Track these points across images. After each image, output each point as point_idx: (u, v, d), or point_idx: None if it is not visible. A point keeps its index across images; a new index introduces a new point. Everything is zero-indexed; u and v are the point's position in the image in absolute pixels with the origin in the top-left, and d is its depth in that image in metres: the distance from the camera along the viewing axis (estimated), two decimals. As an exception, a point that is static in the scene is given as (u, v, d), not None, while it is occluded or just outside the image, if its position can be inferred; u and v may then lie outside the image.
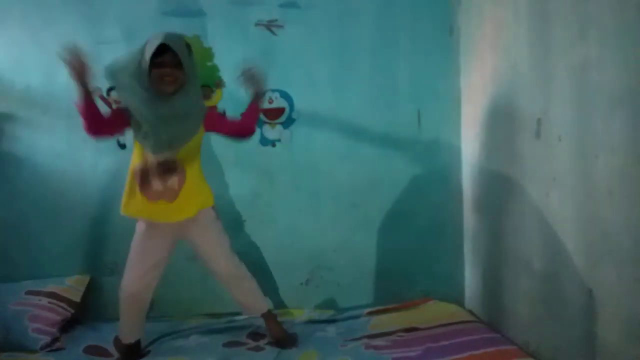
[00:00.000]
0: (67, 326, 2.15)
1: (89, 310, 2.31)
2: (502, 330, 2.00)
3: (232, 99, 2.36)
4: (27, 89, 2.32)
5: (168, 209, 1.77)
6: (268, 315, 2.01)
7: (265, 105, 2.37)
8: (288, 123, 2.40)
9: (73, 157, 2.33)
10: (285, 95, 2.39)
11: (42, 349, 1.96)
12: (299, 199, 2.40)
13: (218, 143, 2.36)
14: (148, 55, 1.66)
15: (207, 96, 2.36)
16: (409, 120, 2.42)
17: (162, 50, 1.66)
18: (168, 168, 1.75)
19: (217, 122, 1.90)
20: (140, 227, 1.84)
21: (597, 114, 1.44)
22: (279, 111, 2.39)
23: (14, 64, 2.32)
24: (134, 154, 1.80)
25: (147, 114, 1.70)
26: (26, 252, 2.32)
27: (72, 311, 2.17)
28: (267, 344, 1.99)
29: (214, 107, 1.86)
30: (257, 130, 2.38)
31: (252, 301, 1.98)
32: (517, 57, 1.88)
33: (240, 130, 1.93)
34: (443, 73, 2.43)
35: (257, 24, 2.37)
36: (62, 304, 2.14)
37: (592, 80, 1.45)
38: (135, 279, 1.82)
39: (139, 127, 1.74)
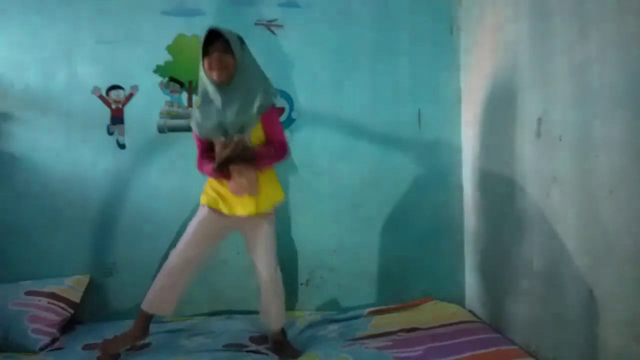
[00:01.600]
0: (67, 326, 2.15)
1: (88, 310, 2.31)
2: (503, 331, 2.00)
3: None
4: (26, 89, 2.32)
5: (247, 202, 1.82)
6: (278, 333, 2.00)
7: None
8: (288, 123, 2.39)
9: (72, 157, 2.33)
10: (285, 95, 2.39)
11: (41, 349, 1.96)
12: (299, 199, 2.39)
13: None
14: (201, 44, 1.73)
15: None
16: (409, 120, 2.42)
17: (213, 38, 1.72)
18: (245, 155, 1.75)
19: (272, 123, 1.87)
20: (203, 212, 1.87)
21: (598, 114, 1.43)
22: (279, 111, 2.38)
23: (13, 63, 2.32)
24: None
25: (207, 110, 1.77)
26: (25, 252, 2.31)
27: (72, 311, 2.16)
28: (267, 348, 1.98)
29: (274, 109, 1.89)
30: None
31: (273, 313, 1.96)
32: (517, 56, 1.88)
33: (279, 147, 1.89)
34: (443, 72, 2.43)
35: (256, 24, 2.37)
36: (61, 304, 2.13)
37: (593, 80, 1.45)
38: (189, 247, 1.85)
39: (203, 130, 1.80)
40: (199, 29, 2.34)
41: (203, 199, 1.89)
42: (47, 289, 2.14)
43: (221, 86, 1.77)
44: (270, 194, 1.89)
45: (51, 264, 2.30)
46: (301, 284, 2.41)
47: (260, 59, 2.39)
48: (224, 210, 1.84)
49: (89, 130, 2.33)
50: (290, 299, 2.38)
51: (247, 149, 1.76)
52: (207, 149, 1.87)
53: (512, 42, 1.92)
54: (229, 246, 2.37)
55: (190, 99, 2.37)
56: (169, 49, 2.35)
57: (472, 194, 2.35)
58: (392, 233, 2.42)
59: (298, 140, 2.39)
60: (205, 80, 1.79)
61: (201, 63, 1.76)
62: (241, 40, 1.81)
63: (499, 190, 2.05)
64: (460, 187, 2.44)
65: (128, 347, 1.87)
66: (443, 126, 2.44)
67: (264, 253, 1.91)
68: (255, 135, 1.82)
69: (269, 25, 2.38)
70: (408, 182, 2.42)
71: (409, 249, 2.42)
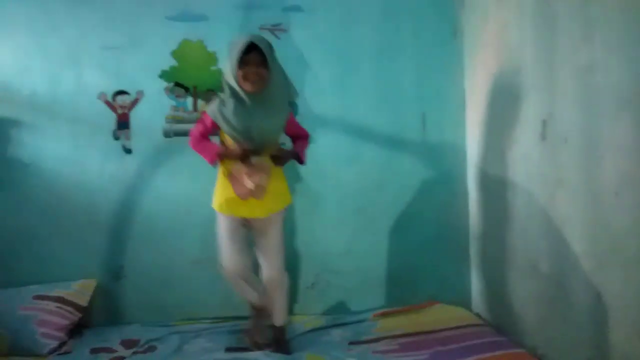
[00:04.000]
0: (75, 330, 2.16)
1: (96, 314, 2.32)
2: (509, 334, 1.99)
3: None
4: (33, 95, 2.33)
5: (255, 205, 1.88)
6: (279, 330, 2.03)
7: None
8: (292, 127, 2.39)
9: (79, 163, 2.34)
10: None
11: (49, 353, 1.97)
12: (304, 203, 2.39)
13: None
14: (236, 54, 1.77)
15: (211, 100, 2.36)
16: (413, 123, 2.42)
17: (249, 49, 1.77)
18: (259, 167, 1.85)
19: (295, 125, 2.02)
20: (220, 217, 1.95)
21: (603, 116, 1.43)
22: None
23: (20, 69, 2.33)
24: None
25: (239, 112, 1.82)
26: (33, 256, 2.32)
27: (79, 315, 2.17)
28: (270, 350, 1.98)
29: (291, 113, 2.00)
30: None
31: (277, 308, 2.01)
32: (521, 58, 1.88)
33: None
34: (447, 75, 2.43)
35: (260, 28, 2.37)
36: (69, 308, 2.15)
37: (598, 82, 1.45)
38: (232, 256, 1.92)
39: (230, 128, 1.84)
40: (203, 34, 2.36)
41: (214, 205, 1.96)
42: (55, 293, 2.16)
43: (250, 96, 1.81)
44: (278, 196, 1.93)
45: (59, 268, 2.31)
46: (307, 288, 2.41)
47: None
48: (234, 213, 1.90)
49: (96, 135, 2.35)
50: (296, 303, 2.39)
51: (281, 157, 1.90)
52: (207, 135, 1.92)
53: (517, 44, 1.92)
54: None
55: (195, 104, 2.38)
56: (174, 54, 2.36)
57: (477, 196, 2.35)
58: (397, 236, 2.42)
59: (303, 143, 2.40)
60: (234, 87, 1.81)
61: (233, 70, 1.78)
62: (272, 49, 1.86)
63: (504, 192, 2.04)
64: (465, 190, 2.44)
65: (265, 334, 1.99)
66: (447, 129, 2.43)
67: (270, 253, 1.96)
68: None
69: (273, 30, 2.39)
70: (413, 185, 2.42)
71: (414, 252, 2.41)
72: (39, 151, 2.34)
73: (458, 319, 2.13)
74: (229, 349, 2.00)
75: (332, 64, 2.40)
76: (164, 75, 2.36)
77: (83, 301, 2.21)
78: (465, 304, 2.39)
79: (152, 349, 2.01)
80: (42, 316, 2.05)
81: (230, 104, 1.83)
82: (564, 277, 1.64)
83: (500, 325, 2.10)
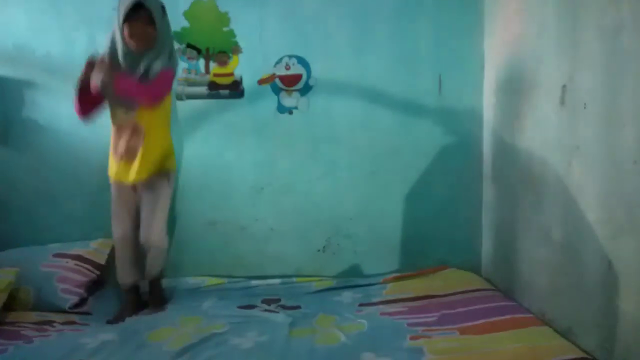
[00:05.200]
0: (93, 288, 2.24)
1: (113, 271, 2.39)
2: (518, 299, 2.00)
3: (249, 65, 2.34)
4: (47, 56, 2.33)
5: (127, 169, 1.92)
6: (151, 283, 2.09)
7: (282, 71, 2.34)
8: (305, 90, 2.37)
9: (93, 124, 2.35)
10: (302, 62, 2.35)
11: (70, 308, 2.05)
12: (317, 166, 2.39)
13: (234, 111, 2.36)
14: (122, 11, 1.78)
15: (223, 62, 2.34)
16: (429, 86, 2.37)
17: (136, 8, 1.77)
18: (129, 128, 1.87)
19: (165, 79, 1.90)
20: (112, 187, 2.03)
21: (626, 82, 1.38)
22: (296, 78, 2.36)
23: (35, 31, 2.33)
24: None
25: (117, 67, 1.81)
26: (52, 216, 2.39)
27: (98, 273, 2.25)
28: (279, 306, 2.03)
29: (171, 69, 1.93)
30: (274, 98, 2.37)
31: (148, 264, 2.03)
32: (544, 20, 1.80)
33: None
34: (467, 36, 2.35)
35: (273, -13, 2.31)
36: (87, 266, 2.22)
37: (623, 46, 1.39)
38: (115, 223, 2.02)
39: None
40: (215, -7, 2.31)
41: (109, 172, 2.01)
42: (73, 252, 2.23)
43: (132, 53, 1.82)
44: (152, 162, 1.93)
45: (77, 227, 2.38)
46: (318, 251, 2.45)
47: (277, 22, 2.35)
48: (113, 176, 1.97)
49: (109, 97, 2.35)
50: (307, 265, 2.43)
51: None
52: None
53: (539, 5, 1.84)
54: (247, 213, 2.41)
55: (207, 66, 2.35)
56: (186, 14, 2.32)
57: (491, 161, 2.32)
58: (409, 201, 2.41)
59: (315, 107, 2.37)
60: (118, 43, 1.82)
61: (119, 27, 1.80)
62: (163, 10, 1.86)
63: (520, 158, 2.01)
64: (480, 155, 2.41)
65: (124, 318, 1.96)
66: (464, 92, 2.38)
67: (151, 220, 1.97)
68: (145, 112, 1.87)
69: (287, -11, 2.32)
70: (427, 150, 2.39)
71: (426, 217, 2.42)
72: (55, 112, 2.36)
73: (467, 283, 2.15)
74: (240, 307, 2.04)
75: (347, 24, 2.33)
76: (176, 36, 2.33)
77: (101, 259, 2.28)
78: (475, 268, 2.40)
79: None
80: (63, 273, 2.12)
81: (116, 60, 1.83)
82: (576, 245, 1.63)
83: (509, 290, 2.11)
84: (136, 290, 2.09)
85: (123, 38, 1.81)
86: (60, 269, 2.13)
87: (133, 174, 1.92)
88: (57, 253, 2.20)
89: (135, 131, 1.89)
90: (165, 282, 2.23)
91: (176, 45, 2.33)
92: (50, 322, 1.92)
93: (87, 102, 1.87)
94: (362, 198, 2.41)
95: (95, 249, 2.30)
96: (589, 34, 1.53)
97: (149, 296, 2.10)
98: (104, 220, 2.38)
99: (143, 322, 1.88)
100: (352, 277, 2.37)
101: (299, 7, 2.32)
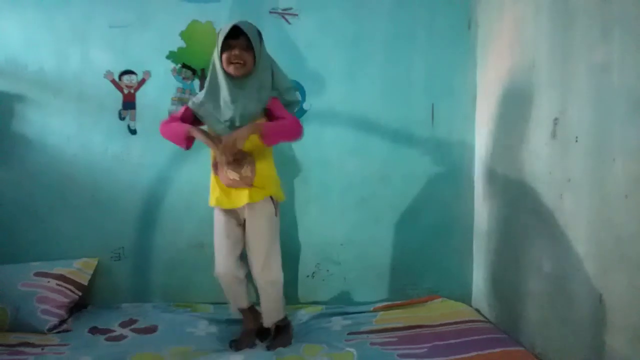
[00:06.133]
0: (75, 309, 2.17)
1: (96, 293, 2.33)
2: (509, 331, 1.98)
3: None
4: (39, 71, 2.32)
5: (237, 195, 1.84)
6: (279, 327, 2.00)
7: (277, 95, 2.35)
8: (300, 114, 2.37)
9: (83, 141, 2.34)
10: (297, 86, 2.36)
11: (49, 330, 1.98)
12: (308, 191, 2.38)
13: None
14: (221, 38, 1.75)
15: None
16: (422, 116, 2.39)
17: (234, 34, 1.74)
18: (237, 157, 1.79)
19: (279, 109, 1.86)
20: (215, 214, 1.94)
21: (616, 117, 1.40)
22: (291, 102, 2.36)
23: (28, 45, 2.32)
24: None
25: (220, 96, 1.79)
26: (35, 233, 2.33)
27: (80, 294, 2.19)
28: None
29: (276, 98, 1.89)
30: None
31: (264, 310, 1.96)
32: (536, 54, 1.84)
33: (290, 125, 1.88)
34: (459, 68, 2.39)
35: (271, 12, 2.34)
36: (69, 286, 2.16)
37: (613, 82, 1.41)
38: (222, 259, 1.90)
39: (209, 116, 1.83)
40: (212, 15, 2.32)
41: (210, 201, 1.92)
42: (56, 271, 2.17)
43: (234, 80, 1.79)
44: (262, 186, 1.85)
45: (60, 246, 2.32)
46: (307, 277, 2.41)
47: (273, 49, 2.37)
48: (220, 204, 1.87)
49: (101, 114, 2.33)
50: (296, 291, 2.39)
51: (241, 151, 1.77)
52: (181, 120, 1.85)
53: (531, 39, 1.88)
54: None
55: (202, 86, 2.35)
56: (182, 35, 2.33)
57: (483, 192, 2.33)
58: (400, 229, 2.40)
59: (308, 132, 2.36)
60: (218, 72, 1.79)
61: (218, 55, 1.77)
62: (260, 36, 1.83)
63: (511, 190, 2.02)
64: (471, 185, 2.42)
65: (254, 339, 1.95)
66: (457, 122, 2.40)
67: (255, 248, 1.87)
68: (251, 140, 1.78)
69: (284, 14, 2.36)
70: (418, 178, 2.40)
71: (417, 246, 2.41)
72: (44, 128, 2.33)
73: (458, 314, 2.12)
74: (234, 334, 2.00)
75: (341, 51, 2.36)
76: (172, 56, 2.34)
77: (84, 280, 2.22)
78: (466, 299, 2.38)
79: (152, 329, 2.01)
80: (43, 293, 2.06)
81: (207, 92, 1.82)
82: (567, 278, 1.63)
83: (500, 322, 2.09)
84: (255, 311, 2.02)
85: (221, 65, 1.77)
86: (40, 289, 2.07)
87: (247, 198, 1.83)
88: (38, 272, 2.15)
89: (242, 158, 1.82)
90: (151, 306, 2.18)
91: (171, 65, 2.34)
92: (27, 344, 1.85)
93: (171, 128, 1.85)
94: (352, 224, 2.40)
95: (79, 268, 2.24)
96: (580, 69, 1.57)
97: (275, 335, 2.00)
98: (88, 239, 2.35)
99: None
100: (341, 304, 2.33)
101: (294, 33, 2.35)
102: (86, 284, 2.22)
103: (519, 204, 1.95)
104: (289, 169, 2.38)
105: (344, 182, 2.39)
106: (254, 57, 1.78)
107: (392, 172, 2.39)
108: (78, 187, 2.34)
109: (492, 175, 2.23)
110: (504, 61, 2.11)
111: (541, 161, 1.79)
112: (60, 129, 2.33)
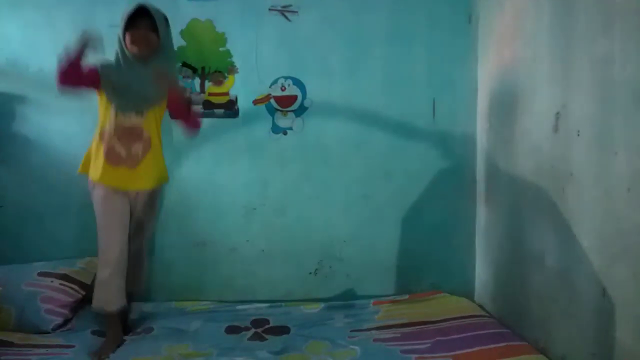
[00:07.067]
0: (78, 308, 2.17)
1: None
2: (512, 326, 1.98)
3: (244, 85, 2.34)
4: (40, 72, 2.32)
5: (128, 175, 1.83)
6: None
7: (278, 92, 2.35)
8: (300, 111, 2.37)
9: (84, 141, 2.31)
10: (297, 83, 2.36)
11: (54, 329, 1.99)
12: (310, 188, 2.38)
13: (229, 130, 2.35)
14: (125, 17, 1.79)
15: (219, 82, 2.34)
16: (423, 110, 2.38)
17: (139, 14, 1.78)
18: (133, 133, 1.82)
19: (175, 95, 1.91)
20: (99, 192, 1.86)
21: (618, 110, 1.39)
22: (291, 99, 2.36)
23: (29, 46, 2.32)
24: (101, 118, 1.87)
25: (123, 73, 1.81)
26: (38, 233, 2.34)
27: (83, 293, 2.19)
28: (268, 332, 1.99)
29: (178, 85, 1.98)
30: (269, 118, 2.36)
31: (136, 281, 2.02)
32: (537, 48, 1.83)
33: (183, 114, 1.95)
34: (460, 62, 2.38)
35: (270, 9, 2.34)
36: (73, 285, 2.16)
37: (614, 75, 1.41)
38: (116, 240, 1.85)
39: (110, 87, 1.83)
40: (212, 13, 2.32)
41: (92, 174, 1.86)
42: (59, 271, 2.17)
43: (137, 60, 1.82)
44: (158, 170, 1.93)
45: (63, 245, 2.33)
46: (309, 274, 2.41)
47: (274, 46, 2.37)
48: (114, 184, 1.83)
49: (102, 114, 2.33)
50: (298, 288, 2.39)
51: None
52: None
53: (532, 33, 1.87)
54: (238, 234, 2.38)
55: (202, 85, 2.35)
56: (182, 33, 2.33)
57: (485, 186, 2.32)
58: (402, 224, 2.40)
59: (310, 128, 2.37)
60: (123, 51, 1.82)
61: (122, 35, 1.81)
62: (166, 21, 1.87)
63: (513, 183, 2.02)
64: (473, 180, 2.41)
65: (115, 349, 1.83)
66: (458, 117, 2.40)
67: (145, 230, 1.99)
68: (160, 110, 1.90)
69: (284, 11, 2.35)
70: (420, 174, 2.39)
71: (419, 241, 2.40)
72: (46, 128, 2.34)
73: (461, 310, 2.12)
74: (229, 332, 1.99)
75: (342, 47, 2.36)
76: (172, 55, 2.33)
77: (87, 279, 2.22)
78: (469, 294, 2.38)
79: (149, 329, 2.02)
80: (47, 293, 2.06)
81: (117, 66, 1.83)
82: (570, 272, 1.62)
83: (503, 317, 2.09)
84: (125, 316, 2.01)
85: (125, 45, 1.81)
86: (44, 289, 2.08)
87: (140, 181, 1.86)
88: (42, 272, 2.15)
89: (139, 137, 1.84)
90: (151, 306, 2.19)
91: (172, 64, 2.34)
92: (32, 346, 1.85)
93: (72, 75, 1.77)
94: (355, 221, 2.39)
95: (82, 268, 2.24)
96: (582, 62, 1.56)
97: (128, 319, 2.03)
98: (92, 239, 2.33)
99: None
100: (343, 301, 2.33)
101: (295, 30, 2.34)
102: (89, 282, 2.22)
103: (521, 198, 1.94)
104: (291, 165, 2.38)
105: (346, 178, 2.39)
106: (158, 39, 1.82)
107: (394, 167, 2.39)
108: (80, 187, 2.31)
109: (494, 170, 2.22)
110: (505, 54, 2.10)
111: (543, 155, 1.78)
112: (61, 130, 2.34)
